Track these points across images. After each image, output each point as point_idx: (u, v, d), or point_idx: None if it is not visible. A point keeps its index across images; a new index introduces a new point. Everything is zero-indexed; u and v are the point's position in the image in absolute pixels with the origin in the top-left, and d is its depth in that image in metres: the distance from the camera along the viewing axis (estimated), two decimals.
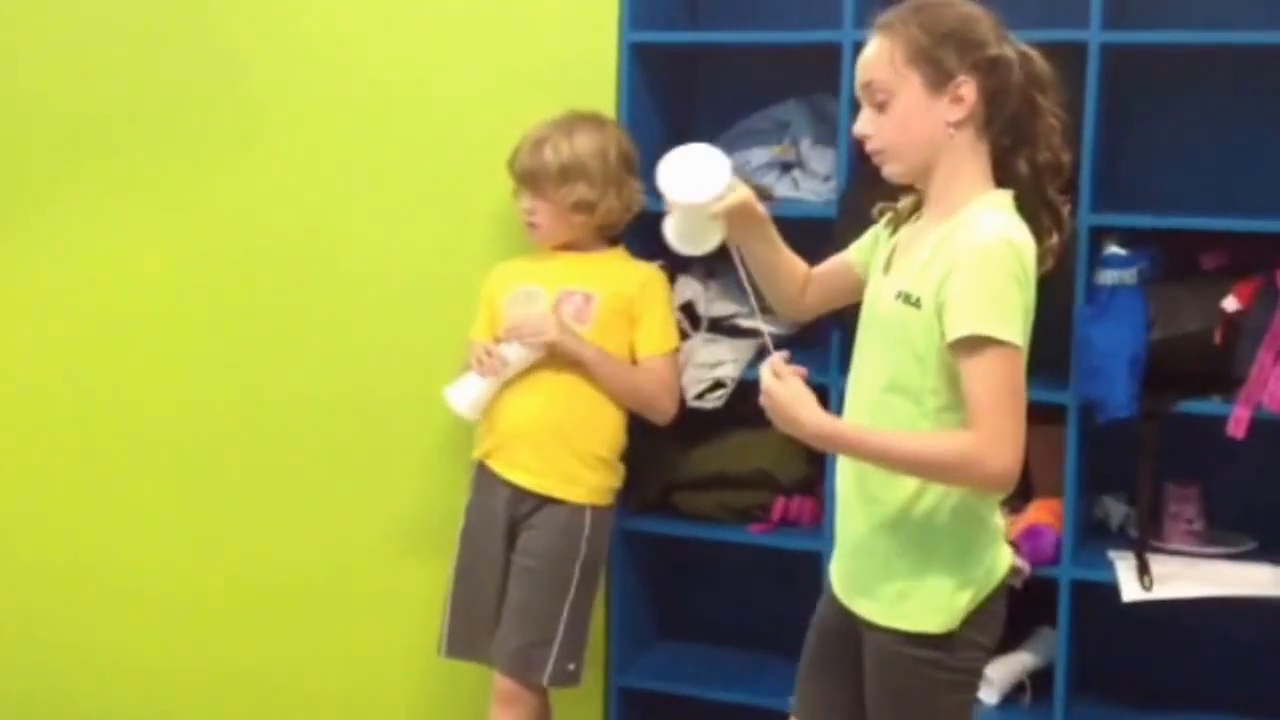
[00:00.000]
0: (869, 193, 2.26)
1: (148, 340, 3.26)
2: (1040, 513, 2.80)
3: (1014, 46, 2.04)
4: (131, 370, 3.28)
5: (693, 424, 2.94)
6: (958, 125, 2.00)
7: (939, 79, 2.00)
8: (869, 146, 2.07)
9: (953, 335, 1.94)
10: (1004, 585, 2.09)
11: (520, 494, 2.80)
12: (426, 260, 3.07)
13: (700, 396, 2.88)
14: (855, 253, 2.25)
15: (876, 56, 2.03)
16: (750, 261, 2.27)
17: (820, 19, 2.85)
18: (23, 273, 3.32)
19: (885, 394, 2.04)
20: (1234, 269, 2.73)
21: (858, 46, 2.16)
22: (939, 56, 1.99)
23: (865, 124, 2.06)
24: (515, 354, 2.76)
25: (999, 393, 1.93)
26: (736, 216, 2.16)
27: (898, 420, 2.02)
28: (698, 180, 2.10)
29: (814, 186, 2.96)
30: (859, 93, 2.08)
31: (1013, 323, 1.93)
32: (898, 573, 2.04)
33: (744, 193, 2.17)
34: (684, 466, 2.99)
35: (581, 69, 2.95)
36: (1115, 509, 2.94)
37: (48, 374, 3.34)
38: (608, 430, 2.83)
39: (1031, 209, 2.04)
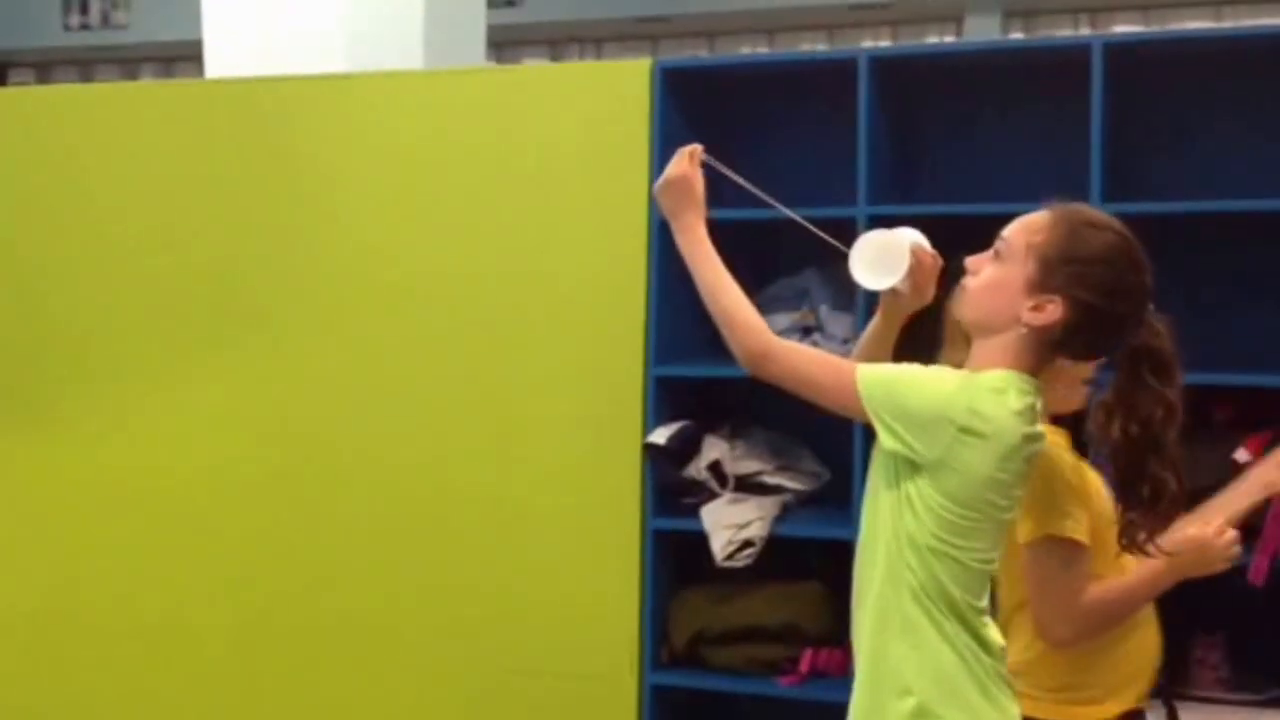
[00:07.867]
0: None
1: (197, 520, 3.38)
2: None
3: (1147, 317, 2.05)
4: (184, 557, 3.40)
5: (721, 579, 2.97)
6: (1029, 328, 2.00)
7: (1039, 286, 2.00)
8: (966, 275, 2.08)
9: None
10: None
11: None
12: None
13: (730, 557, 2.91)
14: None
15: (1026, 226, 2.04)
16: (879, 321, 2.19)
17: (837, 196, 2.97)
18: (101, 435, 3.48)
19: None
20: (1244, 422, 2.78)
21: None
22: (1052, 271, 1.99)
23: (976, 261, 2.07)
24: None
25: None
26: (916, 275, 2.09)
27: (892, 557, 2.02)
28: (884, 266, 2.07)
29: (832, 349, 3.00)
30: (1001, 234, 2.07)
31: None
32: None
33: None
34: (714, 620, 3.00)
35: None
36: None
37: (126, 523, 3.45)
38: None
39: (1128, 477, 2.07)
